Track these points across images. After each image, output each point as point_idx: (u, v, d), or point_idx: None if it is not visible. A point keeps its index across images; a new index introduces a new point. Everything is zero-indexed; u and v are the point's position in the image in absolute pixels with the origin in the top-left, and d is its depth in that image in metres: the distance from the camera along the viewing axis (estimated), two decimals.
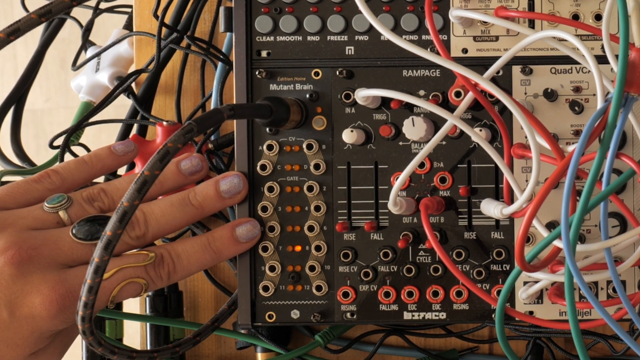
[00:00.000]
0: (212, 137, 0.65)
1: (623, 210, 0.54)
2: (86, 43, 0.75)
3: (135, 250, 0.55)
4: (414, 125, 0.55)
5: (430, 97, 0.57)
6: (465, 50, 0.57)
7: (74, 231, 0.53)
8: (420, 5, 0.56)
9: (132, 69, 0.73)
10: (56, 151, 0.68)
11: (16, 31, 0.50)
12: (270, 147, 0.57)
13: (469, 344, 0.66)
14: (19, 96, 0.71)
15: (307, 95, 0.56)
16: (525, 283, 0.56)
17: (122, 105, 0.69)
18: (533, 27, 0.57)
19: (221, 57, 0.66)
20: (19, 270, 0.50)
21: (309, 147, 0.55)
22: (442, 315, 0.57)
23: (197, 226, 0.66)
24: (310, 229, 0.55)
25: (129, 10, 0.75)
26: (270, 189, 0.56)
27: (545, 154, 0.52)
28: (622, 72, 0.46)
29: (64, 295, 0.51)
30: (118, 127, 0.69)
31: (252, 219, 0.59)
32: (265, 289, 0.57)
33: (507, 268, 0.57)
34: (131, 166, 0.67)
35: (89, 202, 0.56)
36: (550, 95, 0.56)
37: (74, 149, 0.69)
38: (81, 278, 0.50)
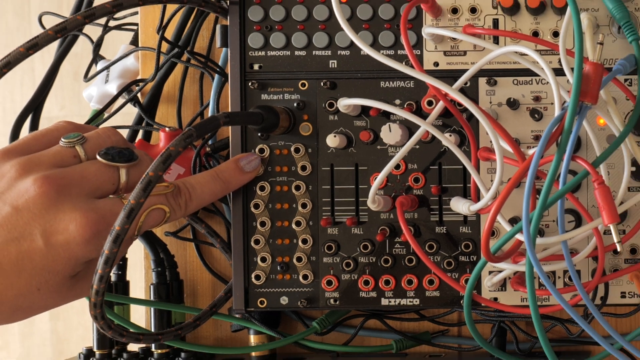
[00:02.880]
0: (210, 142, 0.68)
1: (578, 207, 0.58)
2: (97, 57, 0.78)
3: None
4: (390, 131, 0.59)
5: (405, 106, 0.60)
6: (436, 64, 0.60)
7: (98, 155, 0.56)
8: (396, 24, 0.60)
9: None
10: None
11: (34, 46, 0.54)
12: (261, 151, 0.60)
13: (440, 327, 0.70)
14: (36, 105, 0.72)
15: (295, 104, 0.60)
16: (490, 272, 0.59)
17: (129, 113, 0.72)
18: (497, 43, 0.60)
19: (218, 70, 0.68)
20: (51, 201, 0.52)
21: (297, 150, 0.59)
22: (416, 301, 0.60)
23: (196, 221, 0.68)
24: (298, 224, 0.59)
25: (135, 27, 0.78)
26: (262, 188, 0.60)
27: (508, 156, 0.56)
28: (577, 84, 0.50)
29: (97, 220, 0.53)
30: (125, 132, 0.70)
31: (253, 153, 0.63)
32: (257, 277, 0.60)
33: (474, 259, 0.61)
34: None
35: (101, 137, 0.58)
36: (513, 104, 0.59)
37: None
38: (110, 206, 0.54)
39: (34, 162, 0.53)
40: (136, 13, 0.76)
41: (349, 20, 0.60)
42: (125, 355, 0.70)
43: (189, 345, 0.70)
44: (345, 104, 0.58)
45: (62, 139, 0.55)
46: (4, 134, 0.92)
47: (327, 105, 0.60)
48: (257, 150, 0.61)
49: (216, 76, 0.69)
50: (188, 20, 0.71)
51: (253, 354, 0.70)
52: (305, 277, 0.59)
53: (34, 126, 0.71)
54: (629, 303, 0.62)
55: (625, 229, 0.60)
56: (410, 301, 0.61)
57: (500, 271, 0.59)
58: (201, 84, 0.73)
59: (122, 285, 0.72)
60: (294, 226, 0.59)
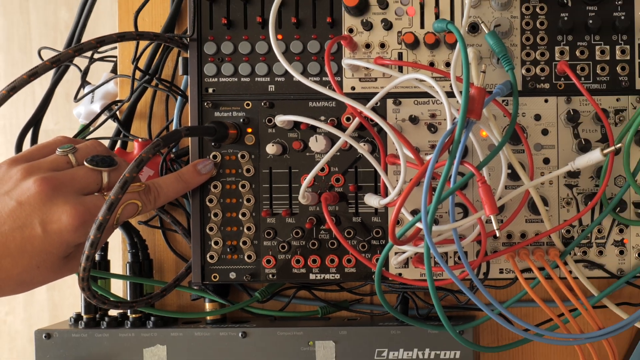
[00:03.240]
0: (174, 150, 0.74)
1: (465, 201, 0.65)
2: (84, 82, 0.83)
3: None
4: (317, 141, 0.65)
5: (328, 121, 0.67)
6: (353, 88, 0.67)
7: (86, 161, 0.61)
8: (321, 56, 0.67)
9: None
10: None
11: (35, 74, 0.61)
12: (215, 157, 0.66)
13: (356, 297, 0.77)
14: (36, 121, 0.77)
15: (241, 120, 0.66)
16: (396, 253, 0.66)
17: (110, 127, 0.77)
18: (402, 72, 0.66)
19: (180, 92, 0.75)
20: (47, 197, 0.58)
21: (242, 156, 0.65)
22: (337, 276, 0.68)
23: (162, 213, 0.74)
24: (243, 215, 0.65)
25: (114, 59, 0.84)
26: (215, 187, 0.66)
27: (410, 161, 0.62)
28: (464, 104, 0.56)
29: (84, 212, 0.58)
30: (107, 142, 0.75)
31: (208, 158, 0.67)
32: (211, 257, 0.66)
33: (383, 242, 0.67)
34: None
35: (88, 147, 0.63)
36: (414, 120, 0.66)
37: None
38: (94, 201, 0.59)
39: (35, 167, 0.59)
40: (115, 47, 0.82)
41: (284, 54, 0.66)
42: (106, 319, 0.75)
43: (157, 310, 0.75)
44: (281, 119, 0.65)
45: (58, 149, 0.61)
46: (10, 143, 0.96)
47: (266, 120, 0.66)
48: (211, 156, 0.66)
49: (179, 98, 0.75)
50: (157, 53, 0.77)
51: (208, 318, 0.76)
52: (249, 257, 0.65)
53: (34, 137, 0.76)
54: (505, 277, 0.69)
55: (502, 218, 0.66)
56: (332, 276, 0.68)
57: (403, 252, 0.66)
58: (167, 104, 0.79)
59: (104, 264, 0.77)
60: (240, 217, 0.65)
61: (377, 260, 0.63)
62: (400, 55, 0.66)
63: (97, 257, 0.75)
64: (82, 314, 0.76)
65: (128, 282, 0.77)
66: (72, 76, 0.81)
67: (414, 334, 0.71)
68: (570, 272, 0.68)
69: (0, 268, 0.56)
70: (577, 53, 0.67)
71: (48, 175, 0.58)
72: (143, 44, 0.74)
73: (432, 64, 0.65)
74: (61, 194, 0.58)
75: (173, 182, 0.64)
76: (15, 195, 0.57)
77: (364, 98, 0.64)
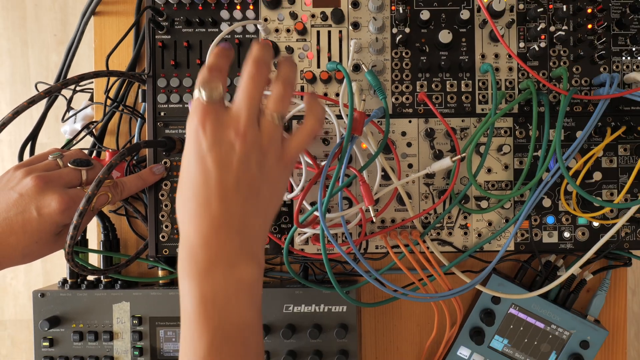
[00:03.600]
0: (135, 157, 0.79)
1: (350, 196, 0.72)
2: (69, 108, 0.88)
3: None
4: None
5: None
6: None
7: (69, 163, 0.66)
8: None
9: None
10: None
11: (33, 101, 0.66)
12: (165, 162, 0.73)
13: (269, 266, 0.84)
14: (33, 136, 0.82)
15: (184, 135, 0.65)
16: (299, 234, 0.72)
17: (88, 141, 0.84)
18: (302, 100, 0.68)
19: (140, 115, 0.81)
20: (41, 189, 0.63)
21: None
22: None
23: (127, 204, 0.80)
24: None
25: (92, 90, 0.90)
26: (165, 184, 0.74)
27: (309, 166, 0.70)
28: (349, 124, 0.63)
29: (68, 200, 0.63)
30: (86, 152, 0.78)
31: (160, 164, 0.72)
32: (163, 237, 0.74)
33: (290, 226, 0.75)
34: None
35: (72, 154, 0.69)
36: None
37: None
38: (77, 192, 0.64)
39: (32, 169, 0.65)
40: (92, 82, 0.88)
41: None
42: (85, 282, 0.82)
43: (122, 276, 0.83)
44: None
45: (50, 155, 0.68)
46: (14, 154, 0.98)
47: None
48: (162, 162, 0.74)
49: (139, 119, 0.81)
50: (122, 86, 0.83)
51: (160, 281, 0.83)
52: None
53: (32, 149, 0.81)
54: (380, 252, 0.76)
55: (377, 208, 0.73)
56: None
57: (305, 233, 0.72)
58: (130, 124, 0.84)
59: (84, 242, 0.84)
60: None
61: (285, 239, 0.71)
62: (302, 87, 0.75)
63: (79, 237, 0.79)
64: (68, 279, 0.82)
65: (101, 255, 0.83)
66: (60, 103, 0.85)
67: (312, 293, 0.79)
68: (428, 247, 0.75)
69: (9, 244, 0.62)
70: (433, 86, 0.75)
71: (42, 174, 0.64)
72: (113, 79, 0.80)
73: (325, 94, 0.74)
74: (51, 187, 0.64)
75: (134, 180, 0.71)
76: (17, 189, 0.63)
77: None
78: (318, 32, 0.75)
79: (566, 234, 0.77)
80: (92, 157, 0.80)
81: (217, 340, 0.49)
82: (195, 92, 0.51)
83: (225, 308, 0.50)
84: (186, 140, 0.52)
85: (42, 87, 0.75)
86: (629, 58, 0.77)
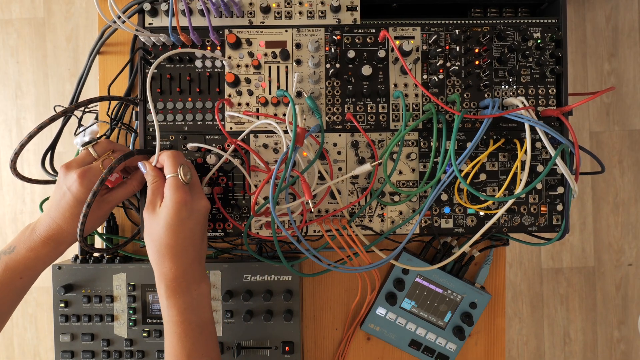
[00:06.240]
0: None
1: (294, 192, 0.82)
2: (80, 124, 0.95)
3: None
4: (211, 157, 0.82)
5: (217, 146, 0.82)
6: (231, 128, 0.83)
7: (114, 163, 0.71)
8: (213, 110, 0.83)
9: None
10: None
11: (52, 119, 0.74)
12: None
13: (232, 245, 0.94)
14: (53, 146, 0.89)
15: (168, 146, 0.84)
16: (256, 221, 0.83)
17: None
18: (258, 119, 0.83)
19: (134, 131, 0.91)
20: (66, 172, 0.73)
21: None
22: (223, 233, 0.84)
23: (120, 205, 0.93)
24: None
25: (97, 110, 0.98)
26: None
27: (262, 169, 0.83)
28: (293, 137, 0.72)
29: (83, 171, 0.73)
30: None
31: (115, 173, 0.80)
32: None
33: (248, 215, 0.86)
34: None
35: (101, 144, 0.78)
36: (265, 146, 0.83)
37: None
38: (90, 166, 0.73)
39: (73, 165, 0.75)
40: (97, 105, 0.97)
41: (191, 109, 0.83)
42: (93, 258, 0.92)
43: (122, 252, 0.95)
44: (190, 146, 0.83)
45: (80, 147, 0.78)
46: (38, 160, 1.19)
47: (182, 146, 0.84)
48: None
49: (133, 134, 0.92)
50: (121, 108, 0.94)
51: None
52: None
53: (51, 156, 0.88)
54: (317, 235, 0.86)
55: (315, 201, 0.84)
56: (220, 233, 0.85)
57: (260, 220, 0.83)
58: (126, 137, 0.97)
59: (116, 227, 0.95)
60: None
61: (245, 225, 0.83)
62: (257, 109, 0.86)
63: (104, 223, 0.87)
64: (79, 255, 0.93)
65: (104, 237, 0.95)
66: (73, 121, 1.04)
67: (265, 266, 0.90)
68: (354, 231, 0.85)
69: (62, 229, 0.74)
70: (357, 108, 0.86)
71: (81, 170, 0.74)
72: (113, 103, 0.92)
73: (275, 114, 0.86)
74: (72, 168, 0.74)
75: (128, 186, 0.83)
76: (58, 181, 0.75)
77: (237, 133, 0.85)
78: (269, 67, 0.87)
79: (459, 221, 0.90)
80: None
81: (196, 334, 0.67)
82: (179, 174, 0.71)
83: (199, 312, 0.70)
84: (170, 208, 0.69)
85: (59, 109, 0.90)
86: (507, 87, 0.91)
